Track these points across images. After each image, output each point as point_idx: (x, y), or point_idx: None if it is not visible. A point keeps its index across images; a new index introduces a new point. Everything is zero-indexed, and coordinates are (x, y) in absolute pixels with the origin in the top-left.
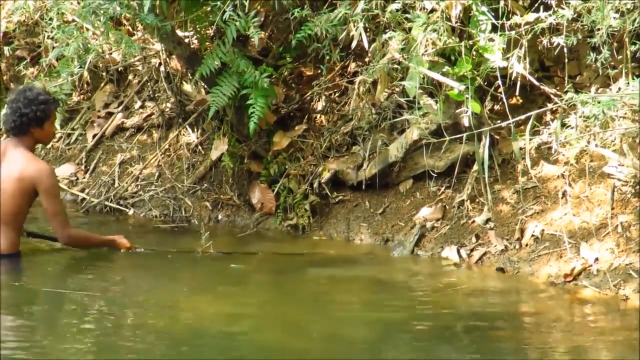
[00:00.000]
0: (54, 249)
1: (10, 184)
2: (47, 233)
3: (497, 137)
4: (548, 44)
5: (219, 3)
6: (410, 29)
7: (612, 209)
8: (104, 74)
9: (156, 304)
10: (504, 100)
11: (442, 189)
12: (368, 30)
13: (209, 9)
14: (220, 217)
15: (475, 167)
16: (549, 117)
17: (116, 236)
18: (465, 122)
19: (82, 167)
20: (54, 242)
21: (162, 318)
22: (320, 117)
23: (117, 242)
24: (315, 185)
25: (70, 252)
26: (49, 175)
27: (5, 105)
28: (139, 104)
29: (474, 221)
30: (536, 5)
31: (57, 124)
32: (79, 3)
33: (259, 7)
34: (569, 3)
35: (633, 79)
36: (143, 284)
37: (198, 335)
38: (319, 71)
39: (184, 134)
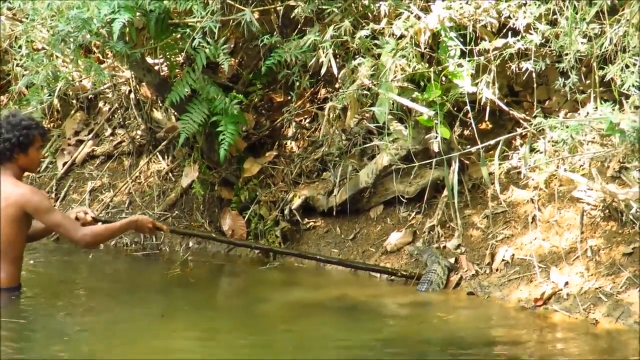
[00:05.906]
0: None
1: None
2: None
3: (467, 162)
4: (517, 69)
5: (188, 30)
6: (379, 55)
7: (582, 233)
8: (74, 101)
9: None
10: (473, 125)
11: (413, 214)
12: (337, 56)
13: (178, 36)
14: (191, 244)
15: (445, 192)
16: (518, 141)
17: (133, 217)
18: (435, 147)
19: (53, 195)
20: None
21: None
22: (290, 144)
23: (139, 221)
24: (286, 211)
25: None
26: (33, 194)
27: None
28: (109, 131)
29: (445, 246)
30: (504, 30)
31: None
32: (48, 31)
33: (228, 34)
34: (537, 28)
35: (601, 103)
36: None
37: None
38: (289, 97)
39: (154, 161)
